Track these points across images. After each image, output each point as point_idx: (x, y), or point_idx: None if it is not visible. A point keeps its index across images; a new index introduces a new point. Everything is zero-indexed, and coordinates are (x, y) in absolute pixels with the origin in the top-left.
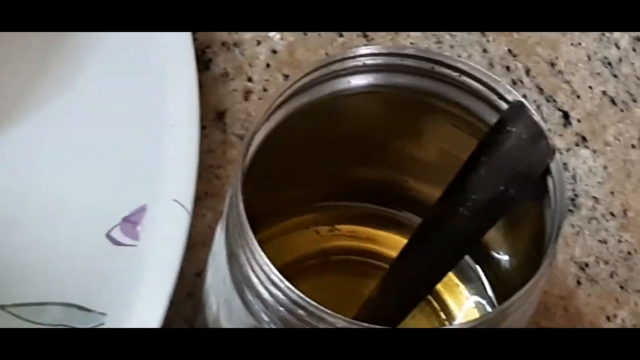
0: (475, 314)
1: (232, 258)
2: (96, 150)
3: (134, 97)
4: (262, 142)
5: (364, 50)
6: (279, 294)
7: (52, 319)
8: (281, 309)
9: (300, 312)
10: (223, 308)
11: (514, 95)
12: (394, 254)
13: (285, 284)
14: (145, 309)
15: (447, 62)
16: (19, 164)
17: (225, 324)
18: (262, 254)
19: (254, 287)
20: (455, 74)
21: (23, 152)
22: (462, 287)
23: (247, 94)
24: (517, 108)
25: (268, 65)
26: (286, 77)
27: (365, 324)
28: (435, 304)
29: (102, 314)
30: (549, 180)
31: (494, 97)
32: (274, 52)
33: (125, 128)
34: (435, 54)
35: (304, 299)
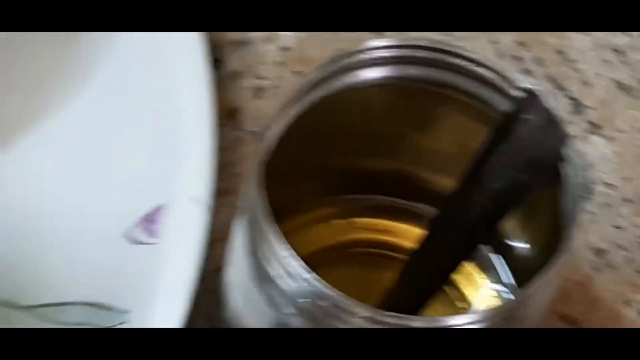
0: (492, 302)
1: (253, 252)
2: (113, 152)
3: (148, 99)
4: (277, 137)
5: (375, 43)
6: (305, 285)
7: (74, 318)
8: (303, 300)
9: (324, 303)
10: (244, 302)
11: (526, 83)
12: (410, 245)
13: (312, 274)
14: (167, 305)
15: (459, 52)
16: (37, 166)
17: (247, 318)
18: (287, 245)
19: (275, 280)
20: (467, 64)
21: (41, 155)
22: (477, 275)
23: (259, 91)
24: (530, 96)
25: (278, 63)
26: (297, 73)
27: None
28: (453, 293)
29: (125, 312)
30: (564, 167)
31: (506, 85)
32: (284, 49)
33: (141, 129)
34: (447, 44)
35: (329, 289)
